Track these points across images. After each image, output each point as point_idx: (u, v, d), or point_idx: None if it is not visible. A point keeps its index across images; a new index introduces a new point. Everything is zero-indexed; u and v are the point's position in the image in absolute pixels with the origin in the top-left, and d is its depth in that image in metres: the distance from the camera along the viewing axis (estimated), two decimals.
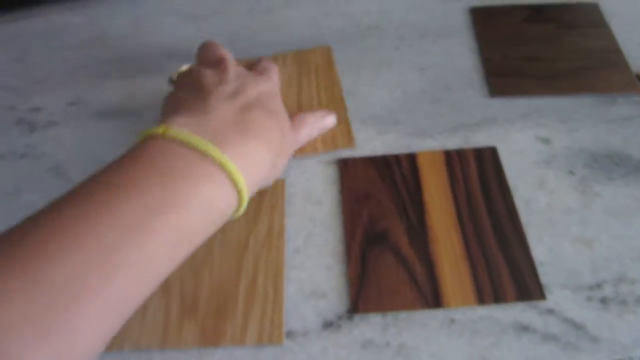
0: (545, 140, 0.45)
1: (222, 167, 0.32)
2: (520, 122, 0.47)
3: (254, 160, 0.35)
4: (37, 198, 0.44)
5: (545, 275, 0.37)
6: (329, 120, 0.46)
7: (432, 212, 0.41)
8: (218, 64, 0.41)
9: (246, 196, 0.33)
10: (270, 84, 0.41)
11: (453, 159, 0.44)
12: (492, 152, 0.44)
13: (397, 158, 0.45)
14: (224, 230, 0.38)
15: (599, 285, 0.37)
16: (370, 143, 0.46)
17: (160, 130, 0.32)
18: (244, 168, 0.33)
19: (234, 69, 0.41)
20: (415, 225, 0.40)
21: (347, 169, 0.44)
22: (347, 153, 0.46)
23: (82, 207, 0.27)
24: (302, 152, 0.45)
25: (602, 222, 0.40)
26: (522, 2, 0.57)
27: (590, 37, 0.52)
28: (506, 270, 0.38)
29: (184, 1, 0.62)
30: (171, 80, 0.47)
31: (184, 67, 0.44)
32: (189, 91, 0.38)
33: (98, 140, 0.49)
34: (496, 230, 0.40)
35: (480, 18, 0.56)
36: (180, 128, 0.32)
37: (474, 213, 0.41)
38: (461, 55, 0.53)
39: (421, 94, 0.50)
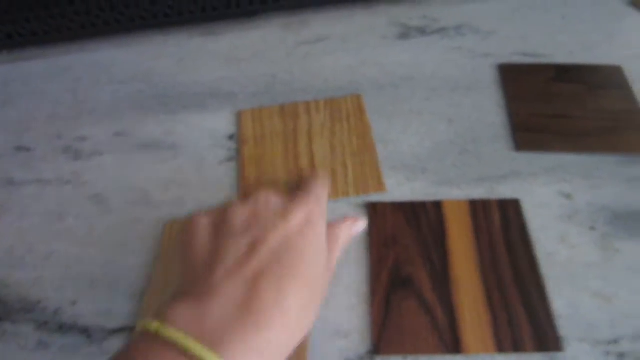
0: (568, 196, 0.47)
1: None
2: (544, 177, 0.48)
3: (265, 350, 0.28)
4: (79, 224, 0.47)
5: (564, 328, 0.39)
6: (359, 226, 0.40)
7: (455, 260, 0.43)
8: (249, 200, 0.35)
9: None
10: (301, 217, 0.34)
11: (478, 209, 0.46)
12: (516, 204, 0.46)
13: (424, 205, 0.47)
14: None
15: (616, 341, 0.38)
16: (399, 189, 0.48)
17: (154, 326, 0.28)
18: None
19: (263, 202, 0.35)
20: (439, 271, 0.42)
21: (375, 212, 0.46)
22: (376, 197, 0.48)
23: None
24: (334, 196, 0.48)
25: (622, 278, 0.41)
26: (548, 62, 0.59)
27: (614, 99, 0.54)
28: (526, 320, 0.39)
29: (226, 45, 0.65)
30: None
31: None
32: (208, 240, 0.33)
33: (139, 170, 0.52)
34: (517, 281, 0.41)
35: (508, 75, 0.58)
36: (177, 328, 0.27)
37: (496, 262, 0.42)
38: (489, 109, 0.55)
39: (449, 145, 0.52)
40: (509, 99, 0.56)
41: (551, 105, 0.54)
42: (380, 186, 0.48)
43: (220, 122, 0.55)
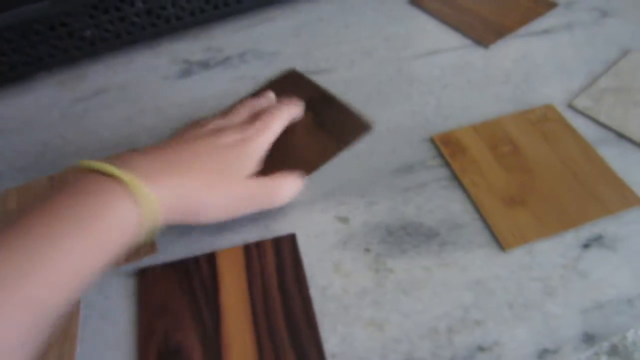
0: (344, 219, 0.45)
1: (126, 186, 0.35)
2: (321, 203, 0.46)
3: (170, 190, 0.38)
4: None
5: None
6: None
7: (227, 316, 0.40)
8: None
9: (151, 214, 0.36)
10: (245, 135, 0.44)
11: (252, 253, 0.43)
12: (291, 239, 0.44)
13: (196, 260, 0.44)
14: None
15: None
16: (172, 246, 0.45)
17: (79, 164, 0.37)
18: (154, 190, 0.36)
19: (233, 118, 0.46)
20: (209, 333, 0.39)
21: (145, 279, 0.43)
22: (149, 261, 0.44)
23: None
24: None
25: (394, 300, 0.40)
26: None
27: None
28: None
29: None
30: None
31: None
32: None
33: None
34: (290, 328, 0.39)
35: None
36: (101, 163, 0.37)
37: (269, 311, 0.40)
38: None
39: None
40: None
41: None
42: (151, 248, 0.45)
43: None
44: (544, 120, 0.51)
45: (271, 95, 0.52)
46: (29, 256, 0.31)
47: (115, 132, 0.56)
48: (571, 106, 0.53)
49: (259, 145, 0.44)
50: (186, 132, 0.44)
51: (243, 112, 0.47)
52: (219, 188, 0.41)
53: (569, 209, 0.44)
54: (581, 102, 0.53)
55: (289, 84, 0.57)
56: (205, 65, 0.63)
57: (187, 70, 0.62)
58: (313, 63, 0.61)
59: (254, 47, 0.64)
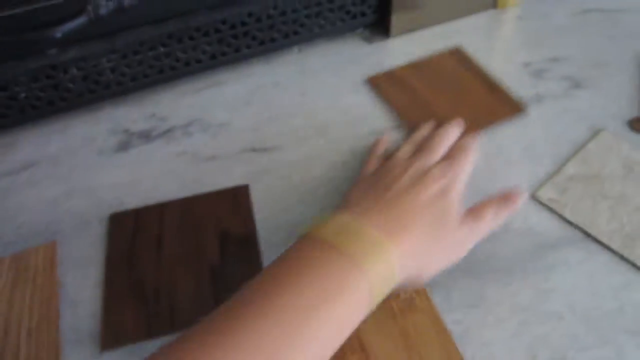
0: None
1: (359, 266, 0.35)
2: None
3: (391, 264, 0.36)
4: None
5: None
6: (515, 202, 0.44)
7: None
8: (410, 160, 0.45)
9: (381, 289, 0.36)
10: (447, 181, 0.42)
11: None
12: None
13: None
14: None
15: None
16: None
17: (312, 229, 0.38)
18: (377, 267, 0.35)
19: (416, 165, 0.44)
20: None
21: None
22: None
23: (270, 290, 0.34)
24: None
25: None
26: None
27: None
28: None
29: None
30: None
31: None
32: (369, 183, 0.44)
33: None
34: None
35: None
36: (329, 229, 0.37)
37: None
38: None
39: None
40: None
41: None
42: None
43: None
44: (409, 310, 0.42)
45: (458, 127, 0.51)
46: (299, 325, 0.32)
47: (35, 218, 0.51)
48: (535, 198, 0.49)
49: (458, 193, 0.43)
50: (381, 177, 0.44)
51: (437, 149, 0.46)
52: (436, 248, 0.40)
53: None
54: (546, 194, 0.49)
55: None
56: (146, 136, 0.58)
57: (126, 142, 0.58)
58: (260, 139, 0.56)
59: (201, 117, 0.60)
